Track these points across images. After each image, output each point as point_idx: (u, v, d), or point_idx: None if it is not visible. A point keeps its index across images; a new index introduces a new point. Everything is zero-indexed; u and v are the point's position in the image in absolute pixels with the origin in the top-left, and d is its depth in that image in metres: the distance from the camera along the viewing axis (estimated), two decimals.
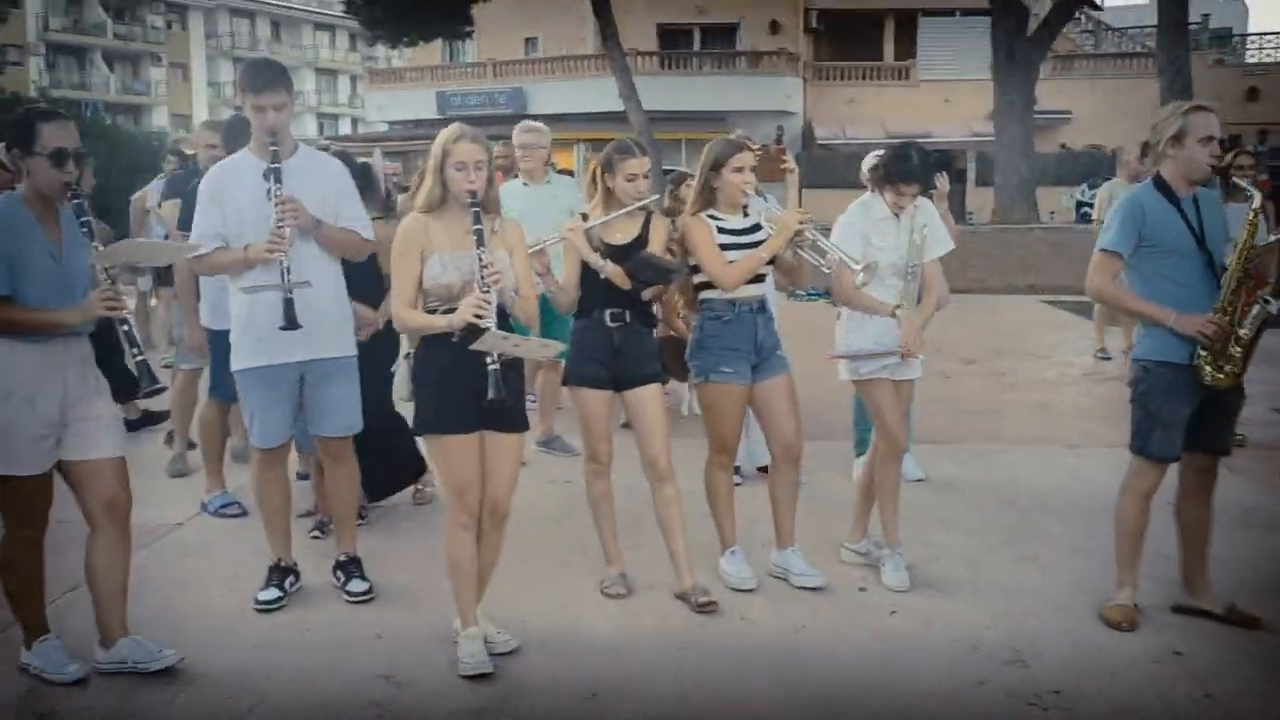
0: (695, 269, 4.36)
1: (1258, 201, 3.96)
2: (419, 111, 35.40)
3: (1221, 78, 31.61)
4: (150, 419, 7.14)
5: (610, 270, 4.19)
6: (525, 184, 6.38)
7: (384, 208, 5.62)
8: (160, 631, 3.80)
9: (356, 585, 4.36)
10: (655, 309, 4.58)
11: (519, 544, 4.73)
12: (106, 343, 3.73)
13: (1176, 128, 3.88)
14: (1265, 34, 38.51)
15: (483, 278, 3.49)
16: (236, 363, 4.21)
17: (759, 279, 4.36)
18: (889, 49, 35.99)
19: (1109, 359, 9.91)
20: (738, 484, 4.93)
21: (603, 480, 4.43)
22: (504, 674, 3.67)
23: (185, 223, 4.81)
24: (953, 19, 34.46)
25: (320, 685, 3.62)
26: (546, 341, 4.00)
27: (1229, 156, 6.25)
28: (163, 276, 7.67)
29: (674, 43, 35.86)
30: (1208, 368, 3.83)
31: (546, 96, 32.24)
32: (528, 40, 37.04)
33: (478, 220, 3.56)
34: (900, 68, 35.19)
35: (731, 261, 4.25)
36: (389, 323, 4.30)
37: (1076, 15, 31.21)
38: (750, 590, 4.38)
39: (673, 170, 8.02)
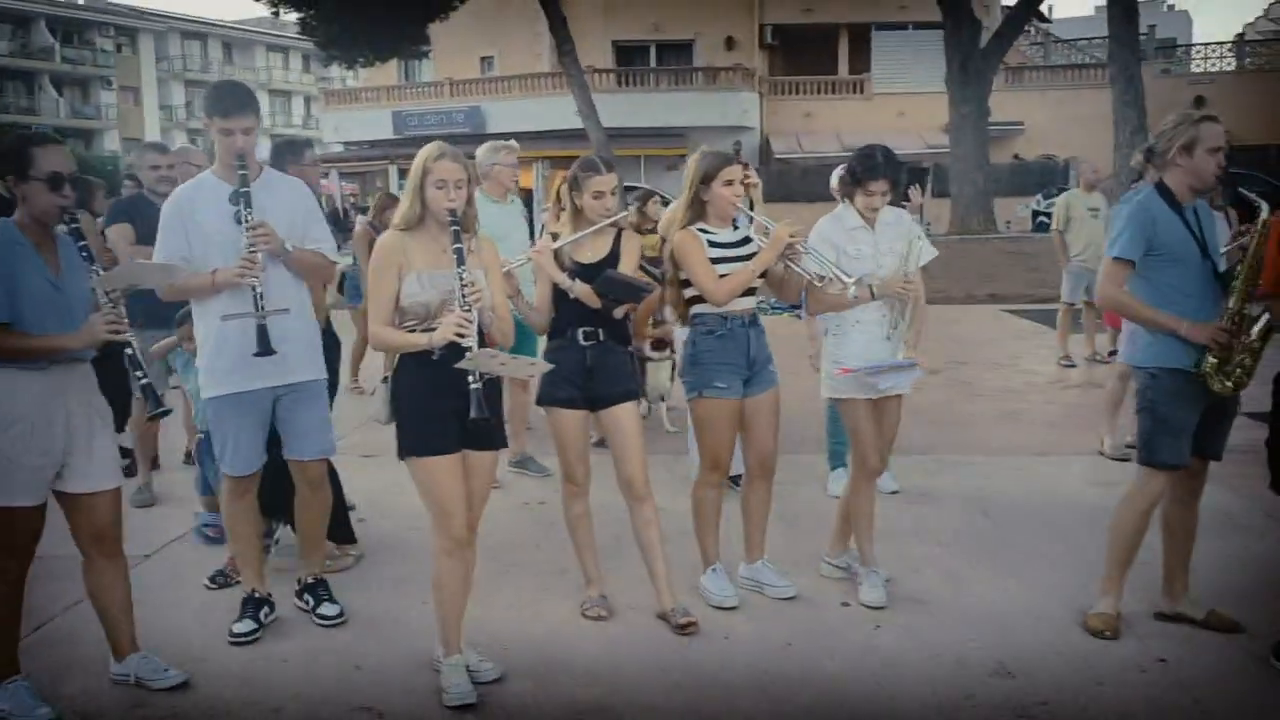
0: (686, 283, 4.34)
1: (1266, 213, 3.94)
2: (375, 132, 35.28)
3: (1169, 87, 32.29)
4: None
5: (579, 290, 4.16)
6: (495, 201, 6.33)
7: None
8: None
9: (328, 609, 4.31)
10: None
11: (497, 569, 4.69)
12: (110, 368, 3.68)
13: (1188, 137, 3.89)
14: (1209, 44, 39.34)
15: (464, 296, 3.45)
16: (208, 389, 4.14)
17: (750, 292, 4.34)
18: (843, 63, 36.40)
19: (1073, 366, 10.01)
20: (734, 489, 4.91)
21: (580, 502, 4.38)
22: (488, 703, 3.61)
23: (146, 243, 4.74)
24: (905, 32, 34.92)
25: None
26: (534, 360, 3.96)
27: None
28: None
29: (630, 59, 36.03)
30: (1216, 376, 3.84)
31: (504, 115, 32.24)
32: (484, 59, 37.05)
33: (457, 239, 3.51)
34: (855, 81, 35.61)
35: (723, 275, 4.23)
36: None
37: (1026, 28, 31.71)
38: (733, 608, 4.35)
39: (636, 188, 8.03)
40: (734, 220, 4.35)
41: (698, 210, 4.35)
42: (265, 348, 3.93)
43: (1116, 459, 6.60)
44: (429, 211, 3.59)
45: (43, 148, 3.45)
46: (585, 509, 4.40)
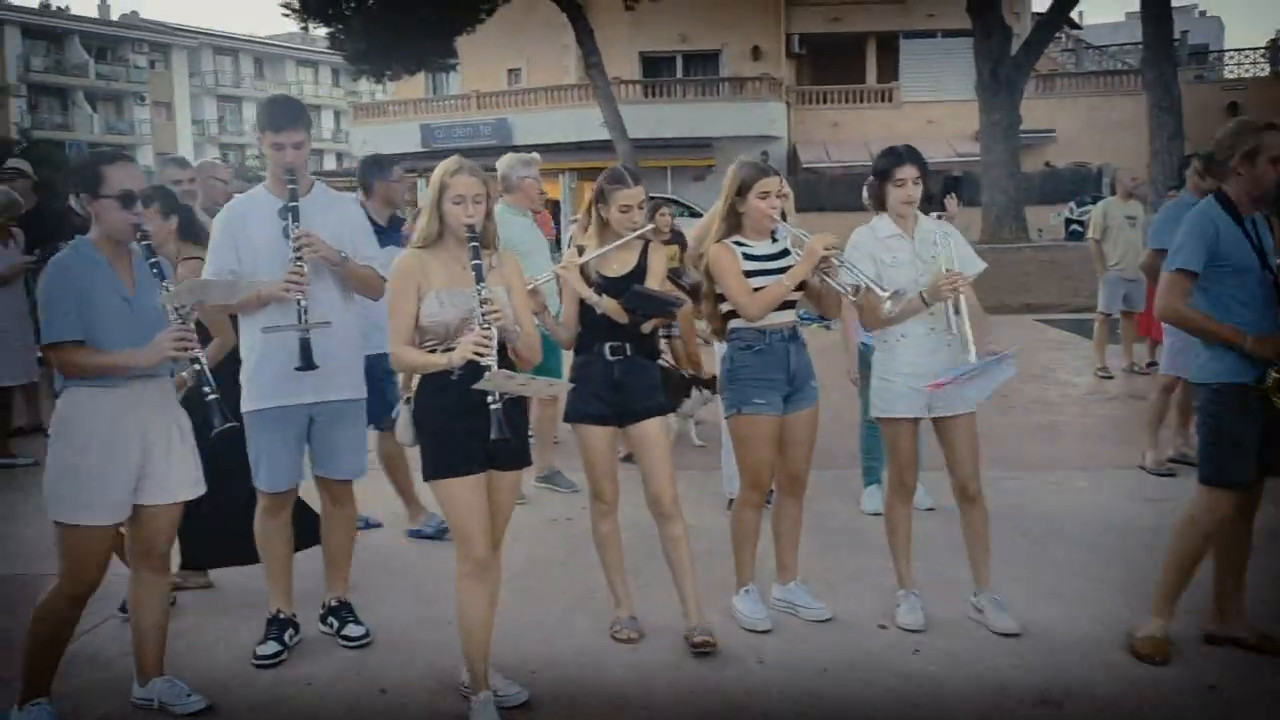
0: (723, 297, 4.25)
1: None
2: (404, 145, 35.34)
3: (1201, 94, 31.86)
4: None
5: (606, 305, 4.08)
6: (522, 214, 6.25)
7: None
8: None
9: (353, 630, 4.24)
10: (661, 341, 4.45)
11: (524, 588, 4.60)
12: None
13: (1250, 145, 3.77)
14: (1242, 49, 38.86)
15: (483, 314, 3.37)
16: (247, 404, 4.10)
17: (789, 306, 4.23)
18: (871, 71, 36.21)
19: (1110, 377, 9.82)
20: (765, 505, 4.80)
21: (608, 520, 4.28)
22: None
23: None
24: (934, 40, 34.71)
25: None
26: (554, 380, 3.88)
27: None
28: None
29: (657, 70, 36.00)
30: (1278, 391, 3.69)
31: (531, 126, 32.25)
32: (511, 71, 37.13)
33: (476, 255, 3.44)
34: (883, 89, 35.39)
35: (757, 289, 4.13)
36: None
37: (1057, 34, 31.44)
38: (766, 631, 4.24)
39: (653, 198, 7.94)
40: (773, 233, 4.25)
41: (734, 223, 4.25)
42: (308, 362, 3.89)
43: (1159, 474, 6.44)
44: (447, 228, 3.52)
45: (114, 166, 3.46)
46: (614, 527, 4.30)
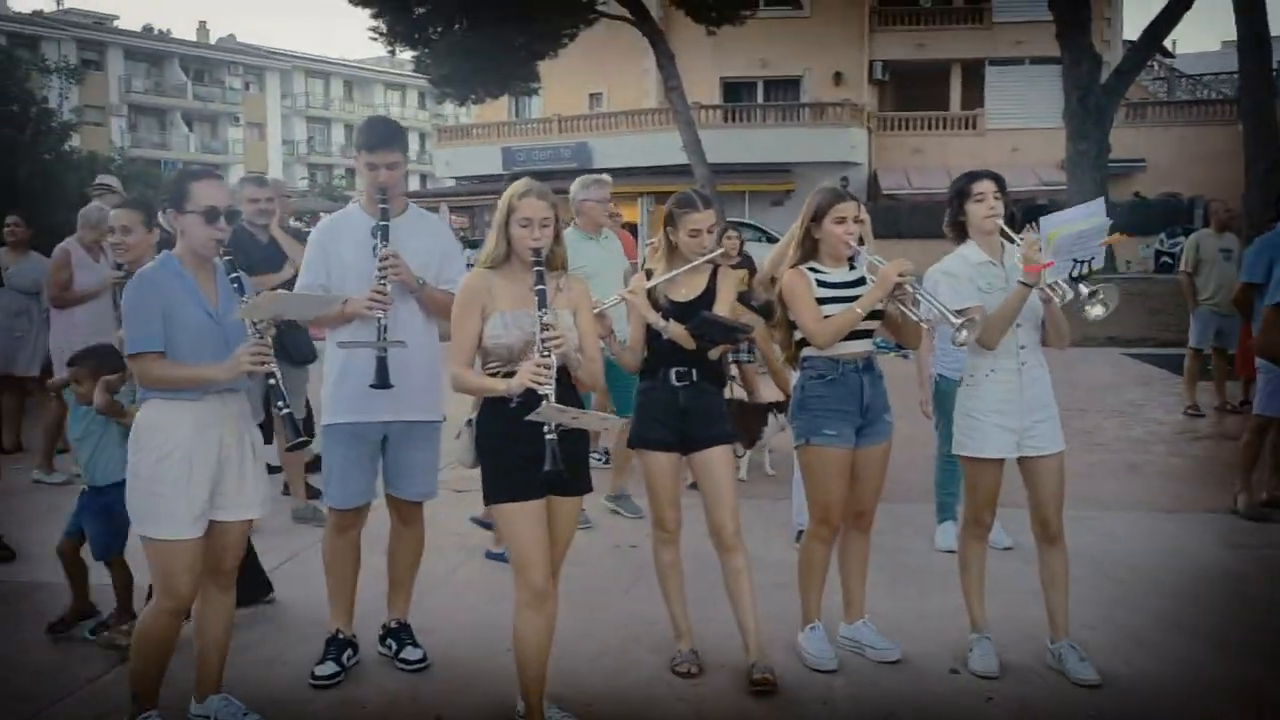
0: (795, 324, 4.15)
1: None
2: (485, 167, 35.87)
3: None
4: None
5: (674, 331, 4.00)
6: (588, 238, 6.21)
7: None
8: None
9: (411, 653, 4.20)
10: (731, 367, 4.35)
11: (582, 616, 4.51)
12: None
13: None
14: None
15: (543, 341, 3.31)
16: (326, 417, 4.13)
17: (864, 335, 4.10)
18: (955, 98, 35.77)
19: (1201, 416, 9.44)
20: None
21: (670, 550, 4.19)
22: None
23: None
24: (1021, 68, 34.20)
25: None
26: (606, 415, 3.81)
27: None
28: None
29: (738, 95, 36.01)
30: None
31: (611, 150, 32.45)
32: (592, 95, 37.47)
33: (540, 280, 3.39)
34: (967, 116, 34.95)
35: (828, 316, 4.02)
36: None
37: (1150, 63, 30.71)
38: (832, 671, 4.09)
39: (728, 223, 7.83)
40: (851, 260, 4.13)
41: (809, 248, 4.14)
42: (383, 380, 3.88)
43: (1252, 518, 6.13)
44: (514, 250, 3.48)
45: (200, 182, 3.49)
46: (675, 557, 4.20)
